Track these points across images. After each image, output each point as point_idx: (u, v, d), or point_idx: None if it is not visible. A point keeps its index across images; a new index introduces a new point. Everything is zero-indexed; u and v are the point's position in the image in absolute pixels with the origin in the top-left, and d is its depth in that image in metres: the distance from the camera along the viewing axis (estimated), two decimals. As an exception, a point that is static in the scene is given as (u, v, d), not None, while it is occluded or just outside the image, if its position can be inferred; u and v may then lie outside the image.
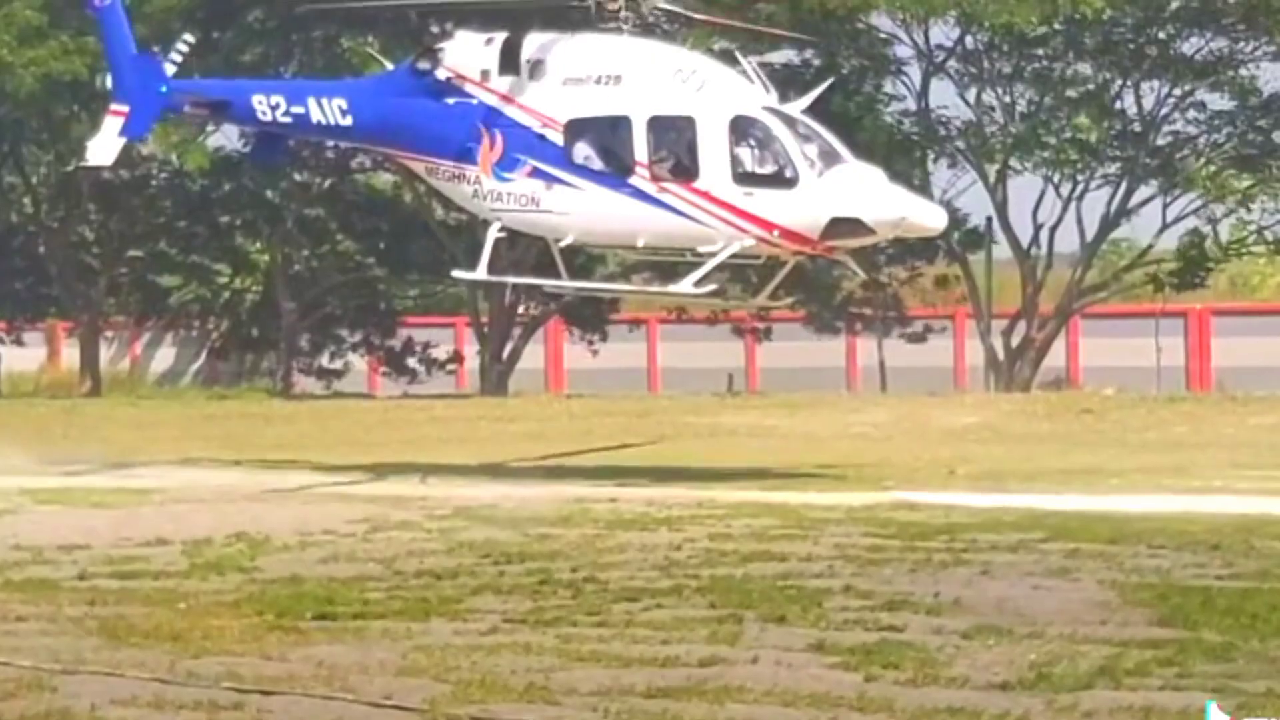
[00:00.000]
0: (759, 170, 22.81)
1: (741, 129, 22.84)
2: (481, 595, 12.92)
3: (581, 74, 23.46)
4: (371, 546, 15.92)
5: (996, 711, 8.93)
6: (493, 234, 24.30)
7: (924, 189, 23.23)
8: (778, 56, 45.60)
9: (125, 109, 25.11)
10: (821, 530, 17.18)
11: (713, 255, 22.88)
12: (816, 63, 44.88)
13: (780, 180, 22.61)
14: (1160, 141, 47.54)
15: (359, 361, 51.15)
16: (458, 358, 50.56)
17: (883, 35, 46.62)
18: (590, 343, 49.57)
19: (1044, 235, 47.05)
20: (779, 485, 22.46)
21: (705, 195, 22.74)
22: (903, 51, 46.99)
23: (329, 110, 24.79)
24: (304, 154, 44.35)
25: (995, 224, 46.56)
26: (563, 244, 23.99)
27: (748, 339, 49.30)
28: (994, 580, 13.75)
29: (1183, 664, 10.28)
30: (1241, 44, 46.42)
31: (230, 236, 50.11)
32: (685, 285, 23.46)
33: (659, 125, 23.11)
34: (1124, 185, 47.25)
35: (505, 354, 47.44)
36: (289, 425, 34.42)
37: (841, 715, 8.91)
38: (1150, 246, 48.46)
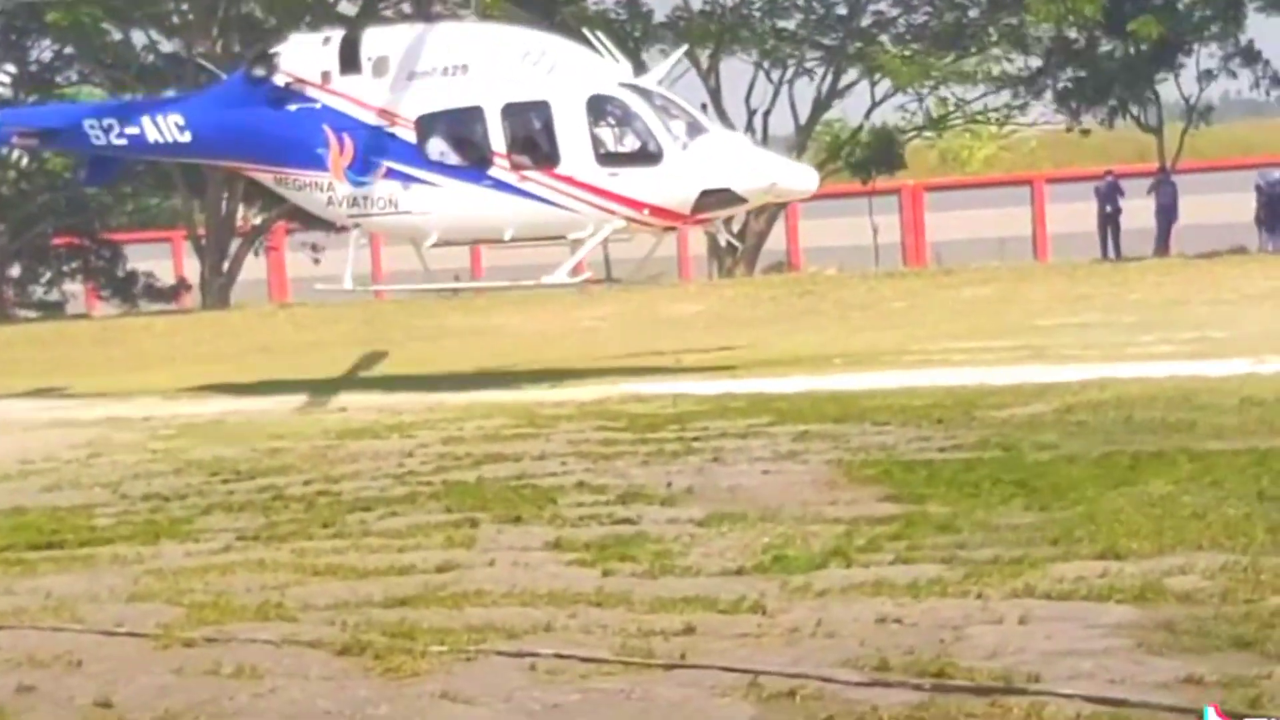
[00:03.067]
0: (622, 149, 22.34)
1: (599, 108, 22.32)
2: (212, 514, 12.73)
3: (427, 66, 22.79)
4: (96, 471, 15.61)
5: (732, 597, 9.03)
6: (355, 241, 23.69)
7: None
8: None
9: None
10: (554, 427, 17.24)
11: (583, 241, 22.44)
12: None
13: (645, 157, 22.13)
14: (865, 23, 48.27)
15: (78, 286, 50.04)
16: (184, 285, 49.70)
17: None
18: (314, 248, 49.01)
19: (758, 120, 47.55)
20: (508, 384, 22.45)
21: (569, 180, 22.25)
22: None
23: (165, 128, 24.07)
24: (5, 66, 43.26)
25: (710, 110, 46.90)
26: (428, 245, 23.36)
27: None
28: (725, 467, 13.92)
29: (911, 538, 10.49)
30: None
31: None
32: (560, 275, 22.85)
33: (513, 112, 22.51)
34: (831, 70, 47.96)
35: (225, 266, 46.75)
36: (5, 351, 33.56)
37: (580, 611, 8.94)
38: (860, 128, 49.23)
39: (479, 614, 8.92)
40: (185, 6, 45.01)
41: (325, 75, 23.20)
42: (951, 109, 50.05)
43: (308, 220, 48.31)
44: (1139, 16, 39.05)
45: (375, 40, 23.26)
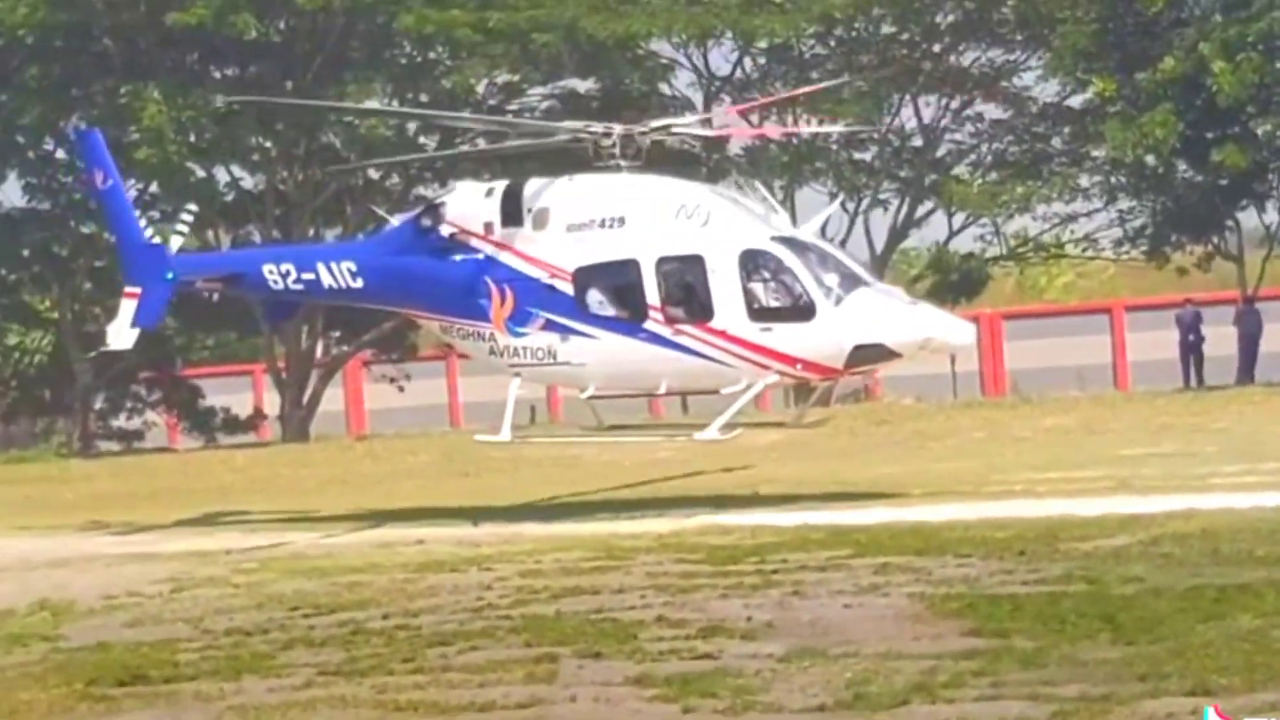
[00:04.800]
0: (774, 304, 22.21)
1: (751, 263, 22.20)
2: (293, 649, 12.74)
3: (585, 219, 22.92)
4: (178, 606, 15.65)
5: (816, 734, 8.96)
6: (514, 391, 23.74)
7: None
8: (564, 86, 46.13)
9: (138, 291, 25.27)
10: (632, 560, 17.18)
11: (738, 395, 22.31)
12: (600, 89, 45.35)
13: (797, 312, 21.98)
14: (941, 153, 48.48)
15: (158, 418, 50.39)
16: (259, 415, 50.00)
17: (664, 61, 47.21)
18: (394, 380, 49.34)
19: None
20: (587, 516, 22.42)
21: (722, 334, 22.18)
22: (685, 78, 47.72)
23: (339, 274, 24.51)
24: (90, 205, 43.89)
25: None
26: (585, 395, 23.48)
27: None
28: (806, 600, 13.83)
29: (996, 673, 10.39)
30: (1017, 54, 47.52)
31: (17, 293, 49.10)
32: (712, 431, 22.62)
33: (667, 266, 22.50)
34: (907, 199, 48.16)
35: (305, 399, 47.05)
36: (88, 484, 33.79)
37: (663, 749, 8.89)
38: (943, 254, 49.21)
39: (562, 751, 8.87)
40: (269, 143, 45.68)
41: (488, 226, 23.45)
42: (1027, 241, 50.03)
43: (386, 352, 48.95)
44: (1221, 145, 39.09)
45: (536, 192, 23.46)
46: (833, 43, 47.00)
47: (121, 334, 25.97)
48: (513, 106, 46.45)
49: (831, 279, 22.17)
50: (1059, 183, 45.52)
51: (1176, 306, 42.89)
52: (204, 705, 10.73)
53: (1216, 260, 43.56)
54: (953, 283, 46.72)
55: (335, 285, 24.61)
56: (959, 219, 48.24)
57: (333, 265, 24.66)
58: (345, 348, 48.95)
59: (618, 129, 23.68)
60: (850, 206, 47.92)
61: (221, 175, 46.18)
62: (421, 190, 47.15)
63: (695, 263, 22.38)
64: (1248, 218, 42.85)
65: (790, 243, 22.42)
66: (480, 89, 44.95)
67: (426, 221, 24.08)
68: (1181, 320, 42.31)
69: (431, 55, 45.30)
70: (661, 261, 22.49)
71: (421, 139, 46.26)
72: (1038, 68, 46.26)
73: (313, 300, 26.71)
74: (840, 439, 32.47)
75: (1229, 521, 17.15)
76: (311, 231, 46.38)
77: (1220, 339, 41.95)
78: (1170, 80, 38.90)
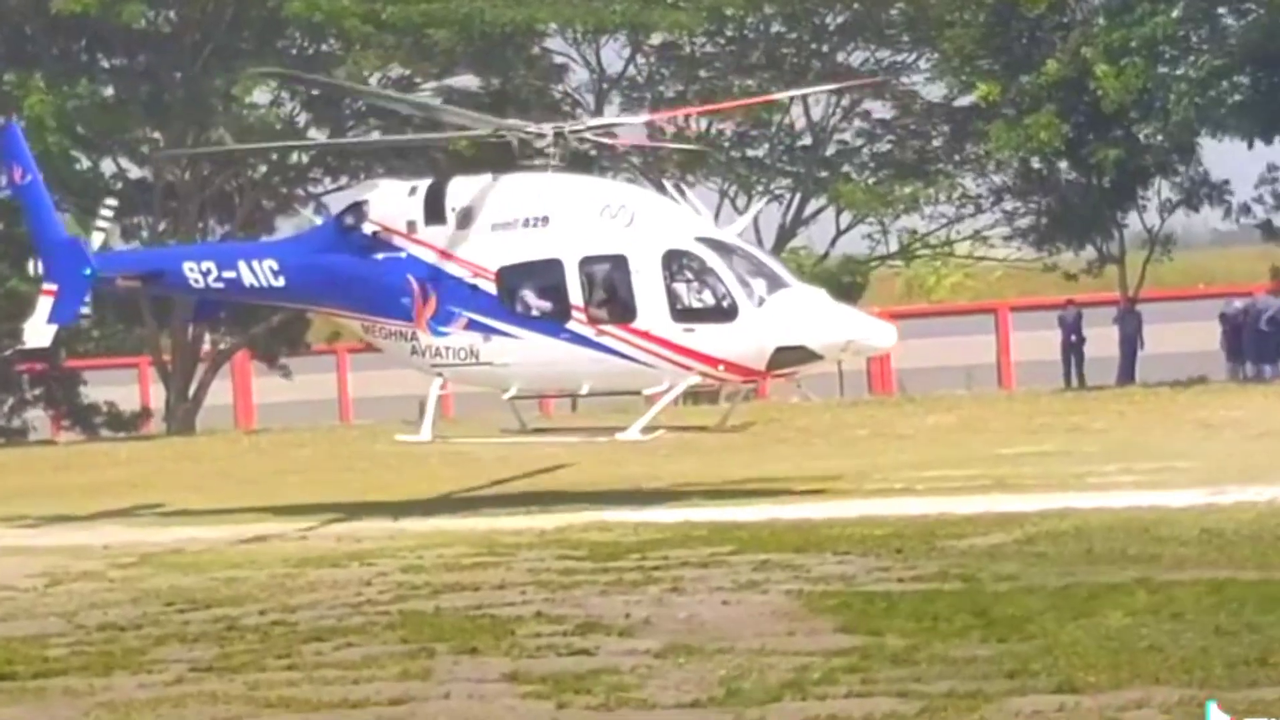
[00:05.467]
0: (696, 305, 22.19)
1: (675, 263, 22.17)
2: (166, 645, 12.66)
3: (509, 218, 22.82)
4: (52, 600, 15.51)
5: (687, 731, 8.99)
6: (435, 392, 23.62)
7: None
8: (457, 82, 45.99)
9: (55, 288, 25.03)
10: (514, 556, 17.19)
11: (660, 396, 22.28)
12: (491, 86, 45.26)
13: (719, 313, 21.97)
14: (829, 153, 48.73)
15: (41, 413, 49.76)
16: (145, 414, 49.46)
17: (557, 60, 47.23)
18: (283, 369, 48.78)
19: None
20: (470, 511, 22.38)
21: (645, 335, 22.12)
22: (577, 79, 47.82)
23: (261, 273, 24.34)
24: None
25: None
26: (508, 396, 23.38)
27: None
28: (684, 597, 13.88)
29: (867, 670, 10.47)
30: (904, 55, 47.85)
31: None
32: (633, 431, 22.48)
33: (590, 266, 22.42)
34: (797, 197, 48.38)
35: (191, 392, 46.64)
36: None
37: (534, 745, 8.89)
38: (826, 255, 49.50)
39: (431, 748, 8.86)
40: (157, 135, 45.25)
41: (411, 225, 23.34)
42: (916, 239, 50.39)
43: (271, 347, 48.54)
44: (1105, 148, 39.48)
45: (459, 190, 23.33)
46: (722, 40, 47.13)
47: (38, 331, 25.81)
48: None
49: (755, 280, 22.19)
50: (944, 183, 45.90)
51: (1060, 307, 43.28)
52: (73, 701, 10.64)
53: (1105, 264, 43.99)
54: (833, 286, 46.98)
55: (256, 284, 24.46)
56: (846, 218, 48.50)
57: (254, 264, 24.51)
58: (232, 340, 48.55)
59: (549, 128, 23.57)
60: (741, 203, 48.04)
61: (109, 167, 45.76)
62: (313, 188, 46.99)
63: (619, 263, 22.35)
64: (1131, 220, 43.30)
65: (714, 244, 22.39)
66: (374, 82, 44.70)
67: (349, 220, 23.98)
68: (1064, 321, 42.71)
69: (324, 47, 45.03)
70: (585, 261, 22.45)
71: (311, 131, 45.98)
72: (926, 69, 46.66)
73: (234, 299, 26.52)
74: (726, 435, 32.52)
75: (1103, 521, 17.36)
76: (201, 225, 46.04)
77: (1102, 340, 42.38)
78: (1054, 83, 39.27)
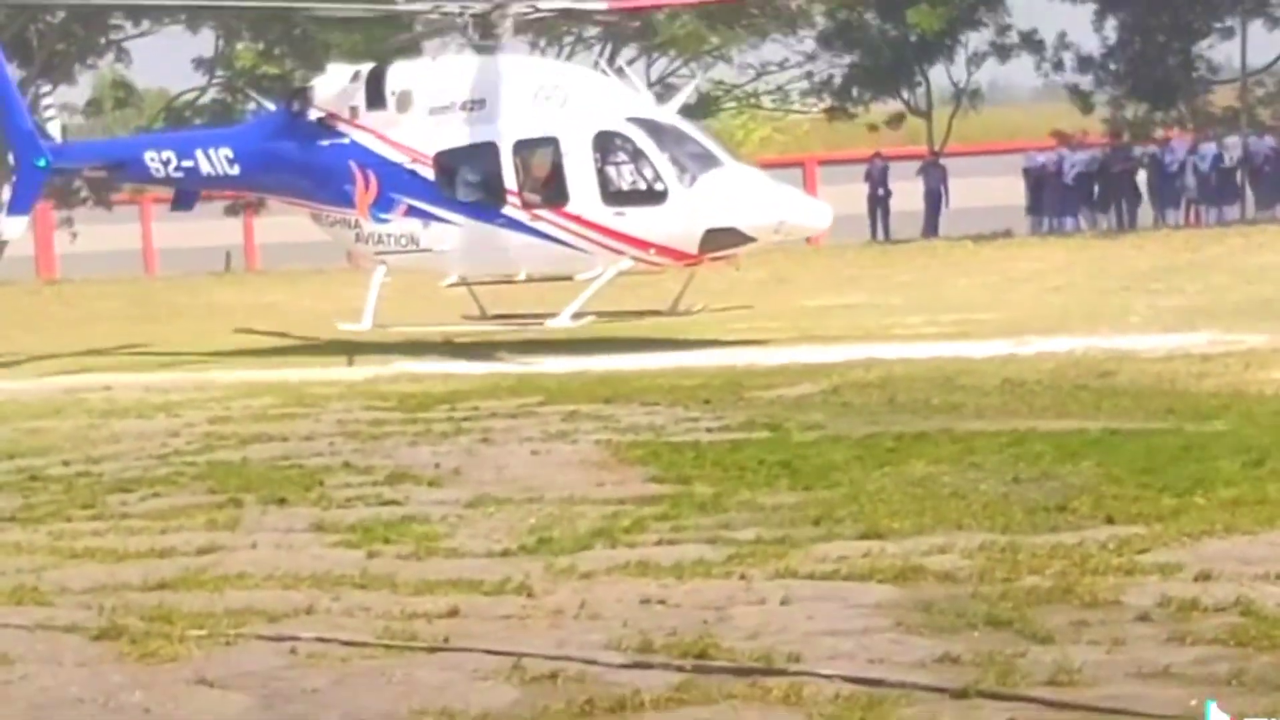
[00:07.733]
0: (627, 187, 21.90)
1: (606, 144, 21.85)
2: (-33, 496, 12.45)
3: (446, 101, 22.55)
4: None
5: (497, 579, 9.04)
6: (377, 279, 23.13)
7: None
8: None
9: (15, 180, 25.14)
10: (323, 407, 17.10)
11: (592, 281, 21.93)
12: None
13: (649, 196, 21.67)
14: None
15: None
16: None
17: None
18: (70, 225, 47.70)
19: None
20: (279, 363, 22.21)
21: (577, 219, 21.83)
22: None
23: (217, 160, 24.16)
24: None
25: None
26: (447, 283, 23.18)
27: (245, 215, 48.42)
28: (494, 447, 13.91)
29: (676, 518, 10.57)
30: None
31: None
32: (564, 318, 22.15)
33: (524, 149, 22.13)
34: (609, 45, 48.07)
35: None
36: None
37: (344, 594, 8.89)
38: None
39: (240, 597, 8.82)
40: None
41: (353, 110, 23.12)
42: (723, 92, 50.40)
43: (66, 200, 47.43)
44: (916, 6, 39.62)
45: (400, 75, 23.08)
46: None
47: (9, 223, 26.04)
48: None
49: (686, 160, 21.84)
50: (755, 29, 45.86)
51: (867, 161, 43.60)
52: (-128, 553, 10.43)
53: (907, 117, 44.34)
54: None
55: (213, 172, 24.40)
56: (657, 70, 48.35)
57: (210, 152, 24.38)
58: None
59: (474, 7, 23.15)
60: (552, 54, 47.69)
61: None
62: (113, 35, 45.74)
63: (551, 145, 22.11)
64: (938, 74, 43.64)
65: (645, 124, 22.01)
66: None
67: (296, 106, 23.79)
68: (870, 174, 43.06)
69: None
70: (519, 145, 22.23)
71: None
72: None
73: (195, 187, 26.13)
74: (531, 287, 32.48)
75: (907, 371, 17.63)
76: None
77: (908, 194, 42.79)
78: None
